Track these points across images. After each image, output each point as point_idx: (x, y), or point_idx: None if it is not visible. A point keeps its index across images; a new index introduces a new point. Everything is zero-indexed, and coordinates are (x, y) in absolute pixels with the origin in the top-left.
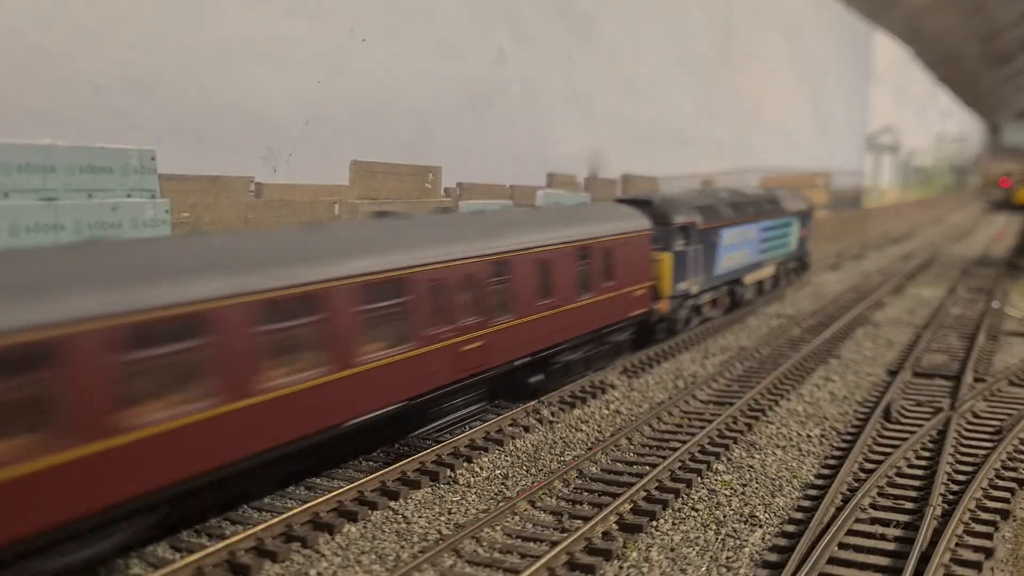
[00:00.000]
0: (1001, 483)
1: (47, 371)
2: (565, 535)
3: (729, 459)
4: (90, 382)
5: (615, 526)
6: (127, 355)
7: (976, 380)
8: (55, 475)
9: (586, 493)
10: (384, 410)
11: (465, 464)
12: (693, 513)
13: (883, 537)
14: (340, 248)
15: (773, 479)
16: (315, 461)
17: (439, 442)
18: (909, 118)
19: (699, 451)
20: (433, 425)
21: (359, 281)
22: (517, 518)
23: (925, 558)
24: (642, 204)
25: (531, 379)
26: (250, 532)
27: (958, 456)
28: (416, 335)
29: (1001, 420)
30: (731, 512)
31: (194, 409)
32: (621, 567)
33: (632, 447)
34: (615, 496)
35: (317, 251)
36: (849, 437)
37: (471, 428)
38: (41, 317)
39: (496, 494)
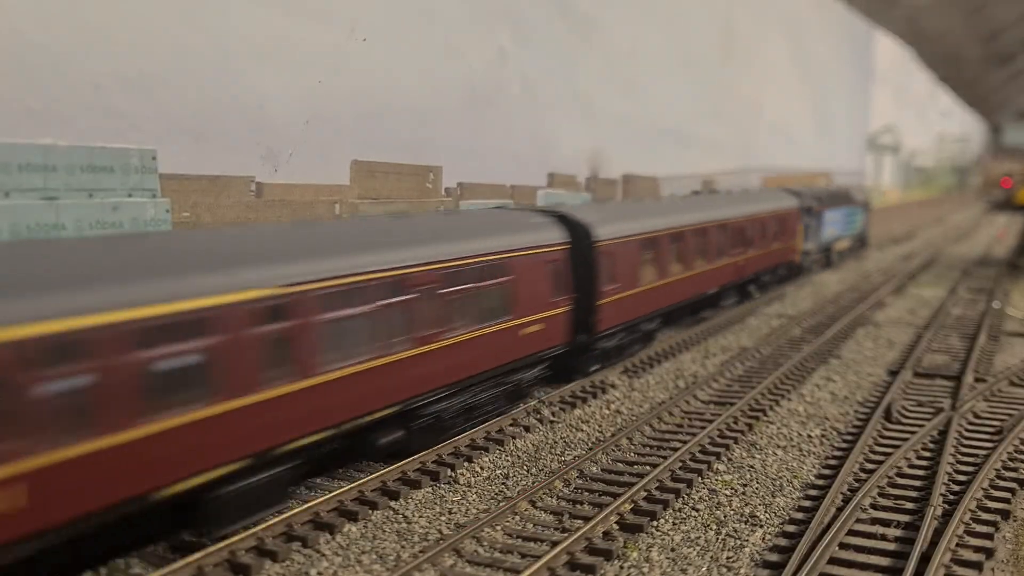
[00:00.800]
0: (1002, 483)
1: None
2: (566, 535)
3: (730, 459)
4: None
5: (616, 526)
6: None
7: (977, 380)
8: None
9: (587, 493)
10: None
11: (466, 464)
12: (694, 513)
13: (884, 537)
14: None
15: (774, 479)
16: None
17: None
18: (910, 118)
19: (700, 451)
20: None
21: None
22: (518, 518)
23: (925, 558)
24: (796, 194)
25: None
26: (251, 532)
27: (959, 456)
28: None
29: (1002, 420)
30: (732, 512)
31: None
32: (622, 567)
33: (633, 447)
34: (616, 496)
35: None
36: (850, 437)
37: (472, 428)
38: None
39: (497, 494)
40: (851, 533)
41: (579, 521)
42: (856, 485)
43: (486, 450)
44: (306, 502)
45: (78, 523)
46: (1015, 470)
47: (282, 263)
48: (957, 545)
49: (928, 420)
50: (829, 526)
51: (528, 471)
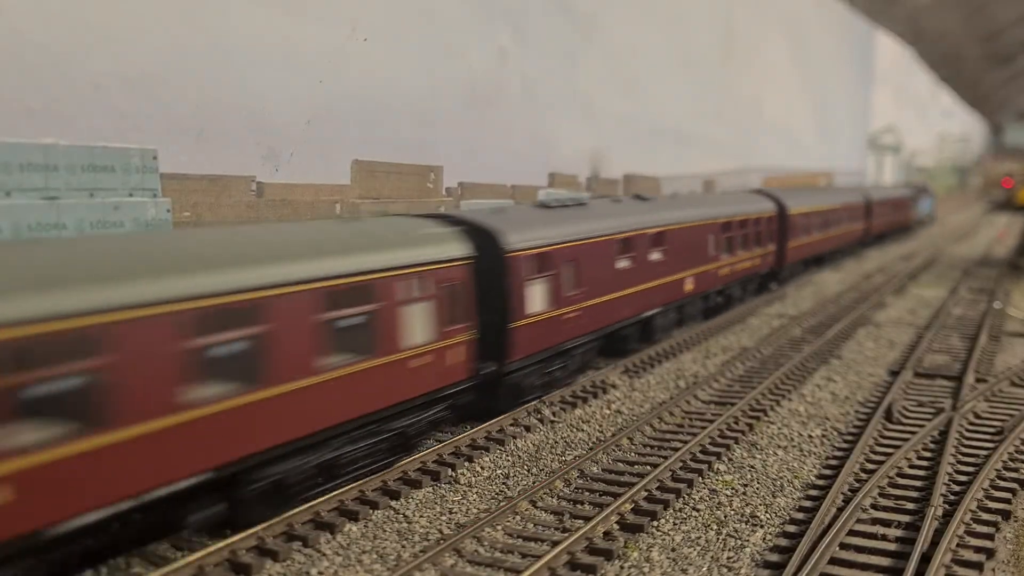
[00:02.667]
0: (1002, 484)
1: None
2: (566, 535)
3: (730, 459)
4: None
5: (616, 526)
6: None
7: (978, 381)
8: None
9: (587, 493)
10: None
11: (466, 464)
12: (694, 513)
13: (884, 537)
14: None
15: (774, 479)
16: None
17: (440, 441)
18: (911, 118)
19: (700, 451)
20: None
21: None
22: (518, 518)
23: (926, 559)
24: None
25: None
26: (251, 531)
27: (959, 457)
28: None
29: (1003, 421)
30: (732, 512)
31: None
32: (622, 567)
33: (633, 447)
34: (616, 496)
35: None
36: (850, 437)
37: (472, 428)
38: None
39: (497, 494)
40: (852, 533)
41: (580, 521)
42: (857, 485)
43: (487, 450)
44: (307, 501)
45: None
46: (1016, 470)
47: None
48: (958, 545)
49: (929, 420)
50: (830, 526)
51: (529, 471)
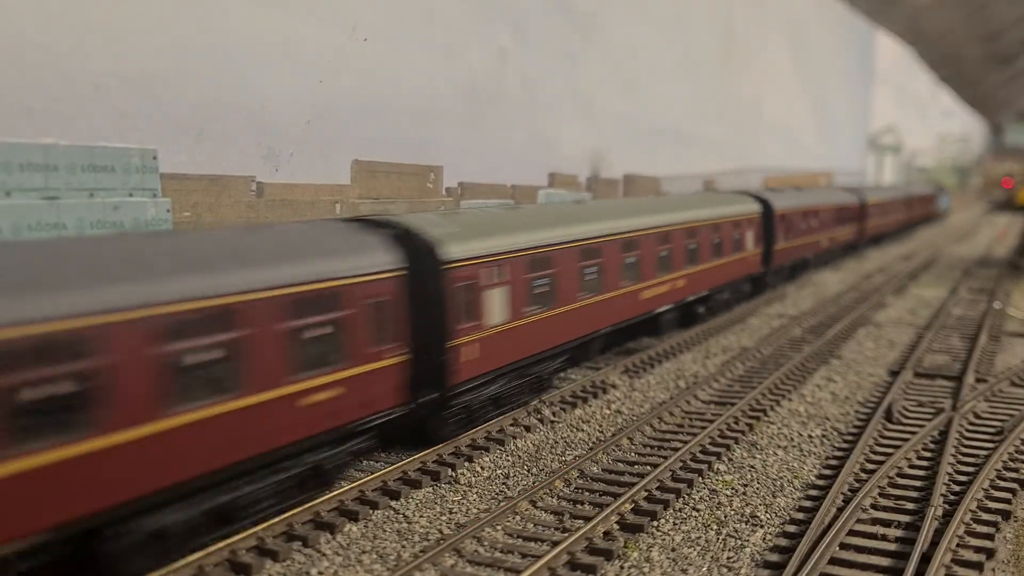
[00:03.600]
0: (1002, 484)
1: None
2: (566, 535)
3: (730, 459)
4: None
5: (616, 526)
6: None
7: (978, 381)
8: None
9: (587, 493)
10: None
11: (466, 464)
12: (694, 513)
13: (884, 537)
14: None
15: (774, 479)
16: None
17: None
18: (911, 118)
19: (700, 451)
20: None
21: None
22: (518, 518)
23: (926, 559)
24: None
25: None
26: (251, 531)
27: (959, 457)
28: None
29: (1002, 421)
30: (732, 512)
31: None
32: (622, 567)
33: (633, 447)
34: (616, 496)
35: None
36: (850, 437)
37: (472, 428)
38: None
39: (497, 494)
40: (852, 533)
41: (580, 521)
42: (857, 485)
43: (487, 450)
44: (307, 501)
45: None
46: (1016, 470)
47: None
48: (958, 545)
49: (929, 420)
50: (830, 526)
51: (529, 471)
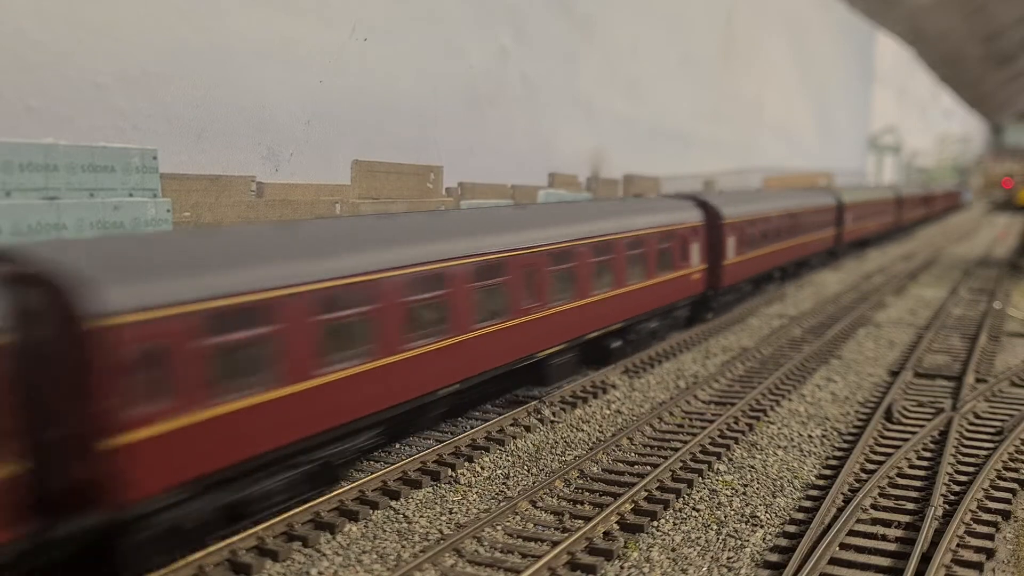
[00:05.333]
0: (1002, 484)
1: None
2: (566, 535)
3: (730, 459)
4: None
5: (616, 526)
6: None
7: (978, 381)
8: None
9: (587, 493)
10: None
11: (466, 464)
12: (694, 513)
13: (884, 538)
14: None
15: (774, 479)
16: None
17: (440, 441)
18: (911, 119)
19: (700, 451)
20: None
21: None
22: (518, 518)
23: (926, 559)
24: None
25: None
26: (251, 531)
27: (959, 457)
28: None
29: (1002, 421)
30: (732, 512)
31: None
32: (622, 567)
33: (633, 447)
34: (616, 496)
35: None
36: (850, 437)
37: (472, 428)
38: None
39: (497, 494)
40: (852, 533)
41: (580, 521)
42: (857, 485)
43: (487, 450)
44: (307, 501)
45: None
46: (1016, 470)
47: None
48: (958, 545)
49: (929, 420)
50: (830, 526)
51: (529, 471)
